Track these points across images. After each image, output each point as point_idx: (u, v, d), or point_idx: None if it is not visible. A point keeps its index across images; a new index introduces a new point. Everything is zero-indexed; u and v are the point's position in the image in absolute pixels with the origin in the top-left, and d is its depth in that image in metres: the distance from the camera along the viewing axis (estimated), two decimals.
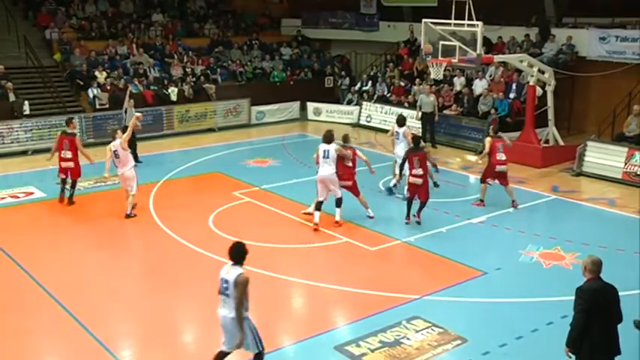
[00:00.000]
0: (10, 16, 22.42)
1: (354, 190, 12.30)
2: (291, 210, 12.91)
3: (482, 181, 13.22)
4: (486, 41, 18.78)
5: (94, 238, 11.64)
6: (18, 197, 14.08)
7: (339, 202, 12.06)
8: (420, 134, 17.50)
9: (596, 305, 5.93)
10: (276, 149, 18.67)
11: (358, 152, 12.49)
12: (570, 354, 6.10)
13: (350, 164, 12.14)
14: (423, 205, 12.06)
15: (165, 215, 12.66)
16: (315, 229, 11.75)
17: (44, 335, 8.19)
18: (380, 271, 10.16)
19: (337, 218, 12.11)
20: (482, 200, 13.17)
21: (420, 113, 18.94)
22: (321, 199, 11.91)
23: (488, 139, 13.14)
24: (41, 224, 12.42)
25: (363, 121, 22.25)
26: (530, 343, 7.88)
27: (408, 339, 7.96)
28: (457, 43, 14.87)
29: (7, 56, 21.11)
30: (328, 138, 12.00)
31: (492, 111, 18.25)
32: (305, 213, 12.48)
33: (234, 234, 11.46)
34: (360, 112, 22.50)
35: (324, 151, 11.92)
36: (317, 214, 11.88)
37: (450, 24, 15.00)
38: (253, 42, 26.35)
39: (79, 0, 24.81)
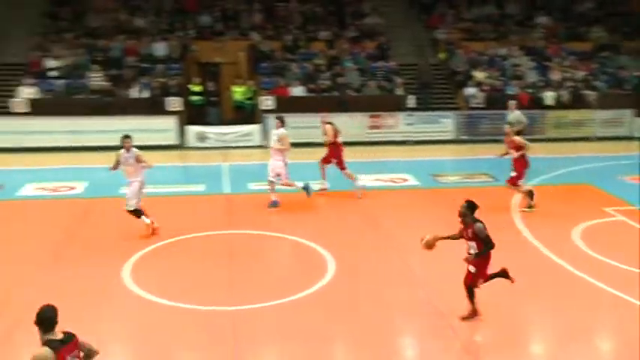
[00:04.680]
0: (406, 17, 24.72)
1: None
2: None
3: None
4: None
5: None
6: (395, 182, 15.60)
7: None
8: None
9: None
10: None
11: None
12: None
13: None
14: None
15: (527, 221, 12.55)
16: None
17: None
18: None
19: None
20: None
21: None
22: None
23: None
24: (408, 207, 13.44)
25: None
26: None
27: None
28: None
29: (400, 54, 23.38)
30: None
31: None
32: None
33: (604, 253, 10.76)
34: None
35: None
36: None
37: None
38: None
39: (467, 2, 25.96)
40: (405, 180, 15.76)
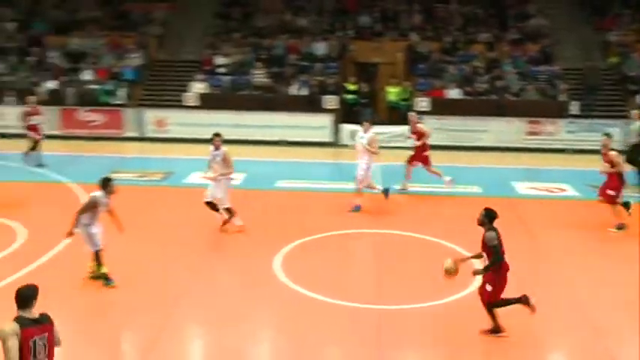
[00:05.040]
0: (573, 19, 23.37)
1: None
2: None
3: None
4: None
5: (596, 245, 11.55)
6: (551, 192, 14.88)
7: None
8: None
9: None
10: None
11: None
12: None
13: None
14: None
15: None
16: None
17: None
18: None
19: None
20: None
21: None
22: None
23: None
24: (563, 218, 12.83)
25: None
26: None
27: None
28: None
29: (565, 57, 22.18)
30: None
31: None
32: None
33: None
34: None
35: None
36: None
37: None
38: None
39: None
40: (563, 190, 15.02)
